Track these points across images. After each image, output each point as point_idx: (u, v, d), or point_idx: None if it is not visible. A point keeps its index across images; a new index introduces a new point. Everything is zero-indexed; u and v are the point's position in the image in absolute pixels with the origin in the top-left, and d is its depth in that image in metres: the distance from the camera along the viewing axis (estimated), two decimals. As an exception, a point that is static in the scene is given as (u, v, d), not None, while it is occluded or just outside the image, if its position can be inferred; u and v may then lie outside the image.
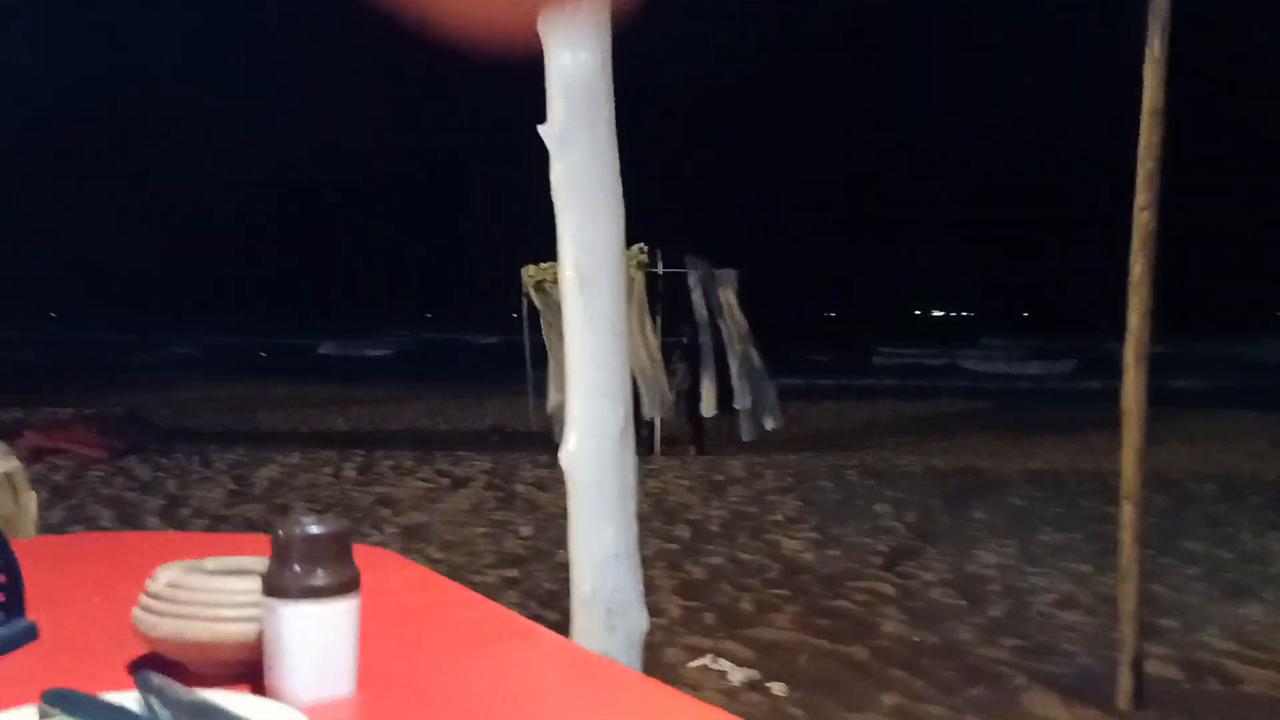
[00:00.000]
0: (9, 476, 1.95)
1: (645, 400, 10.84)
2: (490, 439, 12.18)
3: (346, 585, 0.86)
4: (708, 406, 11.23)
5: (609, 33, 2.99)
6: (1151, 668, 4.08)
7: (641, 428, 11.12)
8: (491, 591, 5.21)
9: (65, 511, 7.10)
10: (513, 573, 5.69)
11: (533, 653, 0.99)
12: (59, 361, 25.52)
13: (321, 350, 35.70)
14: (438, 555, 6.06)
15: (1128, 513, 3.86)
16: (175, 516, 6.99)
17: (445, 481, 8.65)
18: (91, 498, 7.65)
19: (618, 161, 3.01)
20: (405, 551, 5.93)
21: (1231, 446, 11.53)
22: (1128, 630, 3.85)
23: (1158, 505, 7.61)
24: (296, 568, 0.85)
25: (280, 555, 0.86)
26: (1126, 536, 3.87)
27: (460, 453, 10.41)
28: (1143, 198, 3.83)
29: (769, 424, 11.45)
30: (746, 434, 11.39)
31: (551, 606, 4.88)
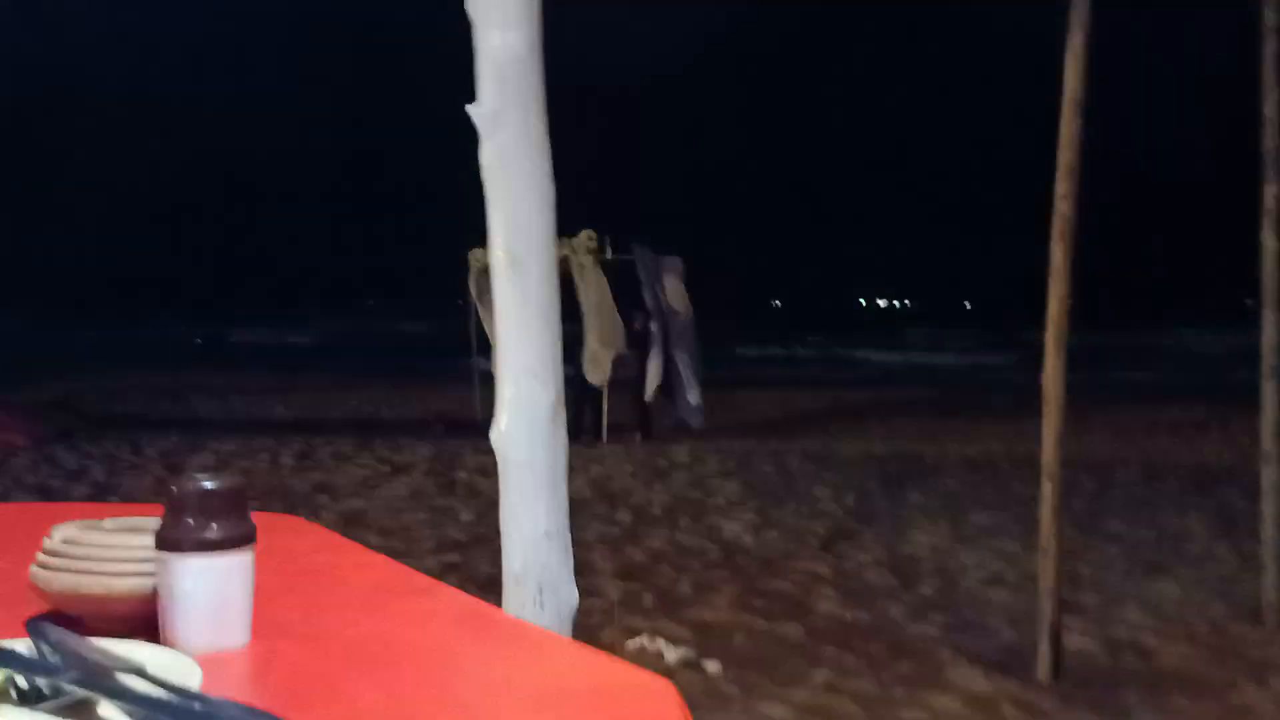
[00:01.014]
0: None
1: (587, 368, 10.80)
2: (433, 427, 12.12)
3: (240, 539, 0.88)
4: (649, 393, 11.29)
5: (539, 12, 2.99)
6: (1072, 642, 4.22)
7: (586, 414, 11.19)
8: (431, 576, 5.21)
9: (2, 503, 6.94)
10: (453, 558, 5.70)
11: (431, 606, 1.02)
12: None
13: (260, 337, 35.15)
14: (376, 541, 6.03)
15: (1048, 490, 3.98)
16: (104, 503, 6.87)
17: (385, 468, 8.60)
18: (16, 486, 7.49)
19: (548, 142, 3.02)
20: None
21: (1157, 433, 11.89)
22: (1047, 605, 3.97)
23: (1084, 488, 7.83)
24: (190, 521, 0.86)
25: (174, 510, 0.87)
26: (1046, 512, 3.99)
27: (402, 440, 10.36)
28: (1062, 187, 3.94)
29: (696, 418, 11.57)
30: (695, 421, 11.50)
31: (490, 590, 4.84)
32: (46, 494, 7.19)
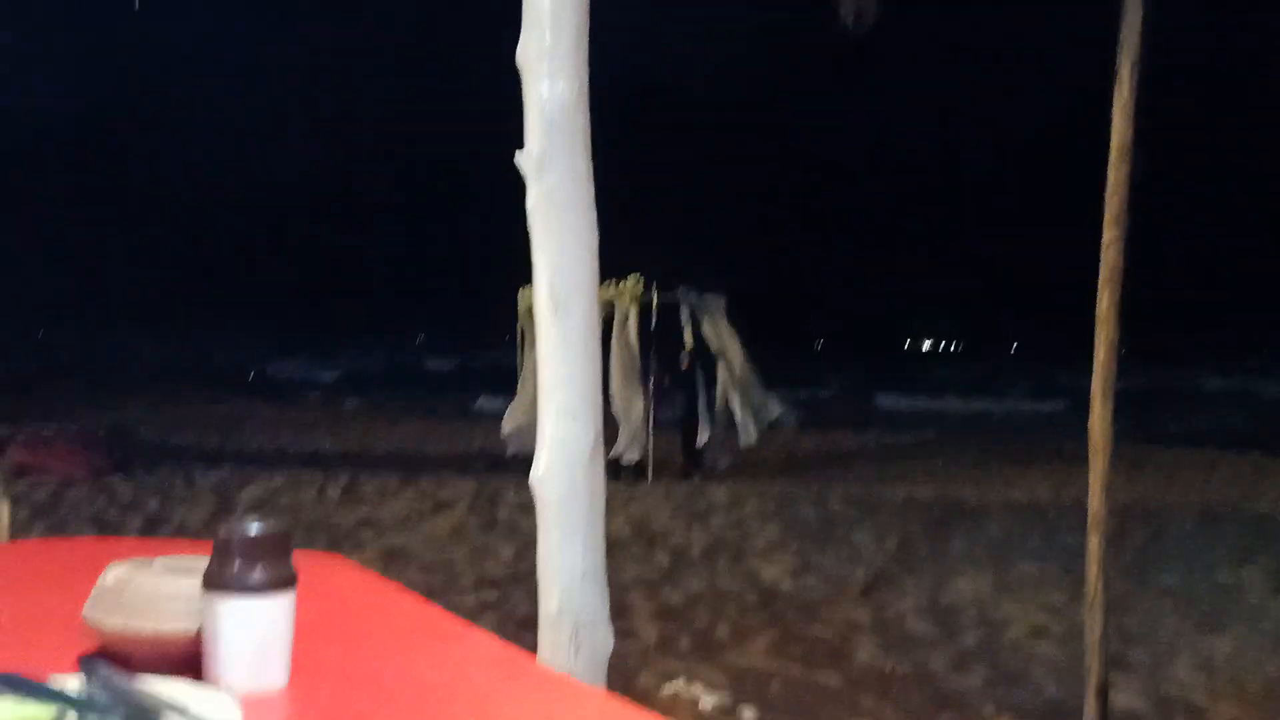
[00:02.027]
0: (-18, 486, 1.99)
1: (621, 438, 10.86)
2: (477, 462, 12.19)
3: (282, 582, 0.91)
4: (702, 435, 11.36)
5: (586, 63, 3.07)
6: (1120, 699, 4.12)
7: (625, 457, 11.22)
8: (470, 614, 5.23)
9: (46, 530, 7.11)
10: (492, 595, 5.72)
11: (463, 651, 1.04)
12: (46, 376, 25.48)
13: (312, 369, 35.67)
14: (417, 577, 6.08)
15: (1094, 543, 3.91)
16: (155, 536, 6.99)
17: (428, 504, 8.67)
18: (73, 516, 7.66)
19: (593, 189, 3.08)
20: (385, 573, 5.95)
21: (1211, 480, 11.61)
22: (1094, 659, 3.88)
23: (1136, 538, 7.67)
24: (235, 565, 0.90)
25: (221, 553, 0.91)
26: (1093, 566, 3.91)
27: (445, 475, 10.43)
28: (1109, 234, 3.91)
29: (752, 434, 11.52)
30: (723, 461, 11.52)
31: (528, 628, 4.87)
32: (103, 525, 7.34)
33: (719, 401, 11.50)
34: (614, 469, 11.01)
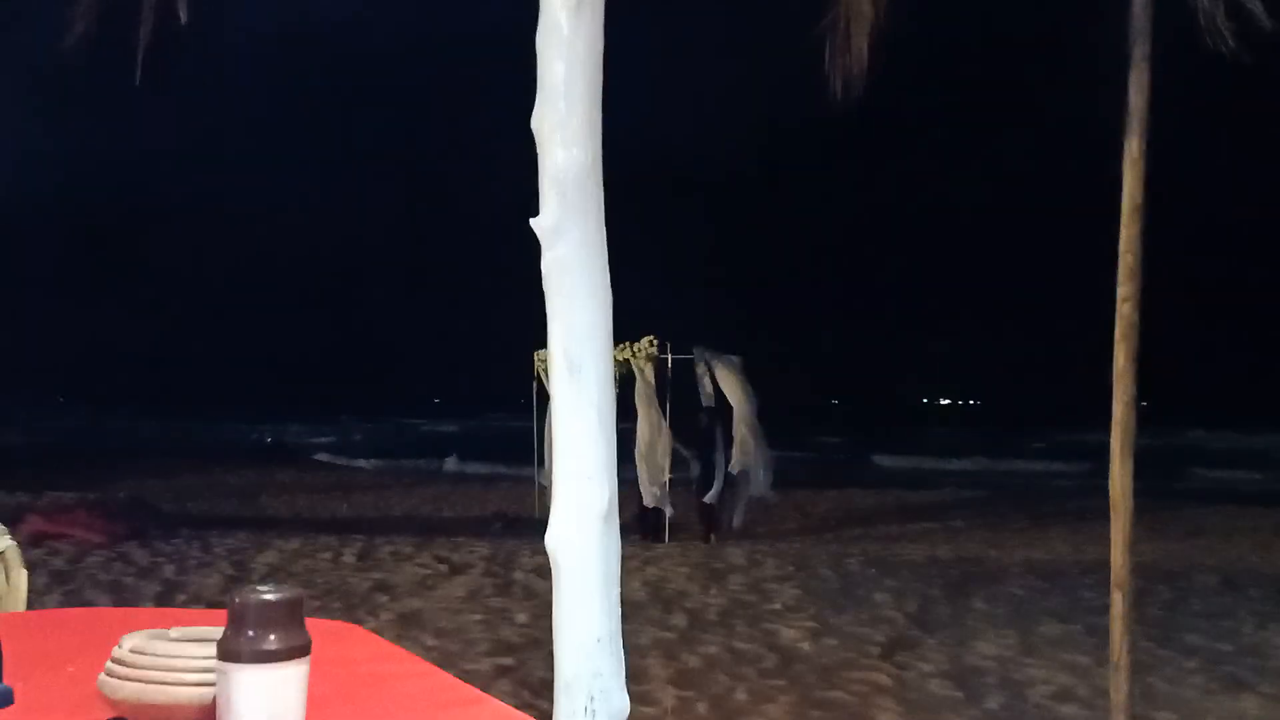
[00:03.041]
0: (2, 555, 2.00)
1: (644, 490, 10.99)
2: (492, 526, 12.14)
3: (296, 650, 0.92)
4: (712, 494, 11.30)
5: (599, 131, 3.12)
6: (1148, 762, 4.03)
7: (649, 515, 11.20)
8: (484, 679, 5.18)
9: (63, 596, 7.09)
10: (507, 660, 5.65)
11: (477, 719, 1.04)
12: (64, 445, 25.63)
13: (326, 435, 35.78)
14: (432, 642, 6.03)
15: (1117, 601, 3.86)
16: (171, 602, 6.97)
17: (443, 568, 8.61)
18: (89, 583, 7.65)
19: (606, 254, 3.12)
20: (400, 639, 5.90)
21: (1235, 539, 11.43)
22: (1120, 722, 3.82)
23: (1160, 597, 7.54)
24: (250, 633, 0.91)
25: (235, 621, 0.92)
26: (1116, 625, 3.86)
27: (460, 539, 10.37)
28: (1124, 290, 3.93)
29: (759, 493, 11.49)
30: (737, 518, 11.47)
31: (544, 694, 4.83)
32: (119, 591, 7.33)
33: (735, 461, 11.46)
34: (649, 521, 11.02)
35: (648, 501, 11.07)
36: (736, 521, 11.45)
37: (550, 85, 3.06)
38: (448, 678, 1.17)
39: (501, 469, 19.88)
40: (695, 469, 11.45)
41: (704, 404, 11.65)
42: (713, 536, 10.92)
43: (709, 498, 11.28)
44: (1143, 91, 3.93)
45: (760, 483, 11.52)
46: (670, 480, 11.32)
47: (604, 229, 3.16)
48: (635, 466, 11.03)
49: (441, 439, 34.79)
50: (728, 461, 11.43)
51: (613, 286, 3.15)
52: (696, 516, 11.35)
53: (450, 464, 23.16)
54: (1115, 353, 3.96)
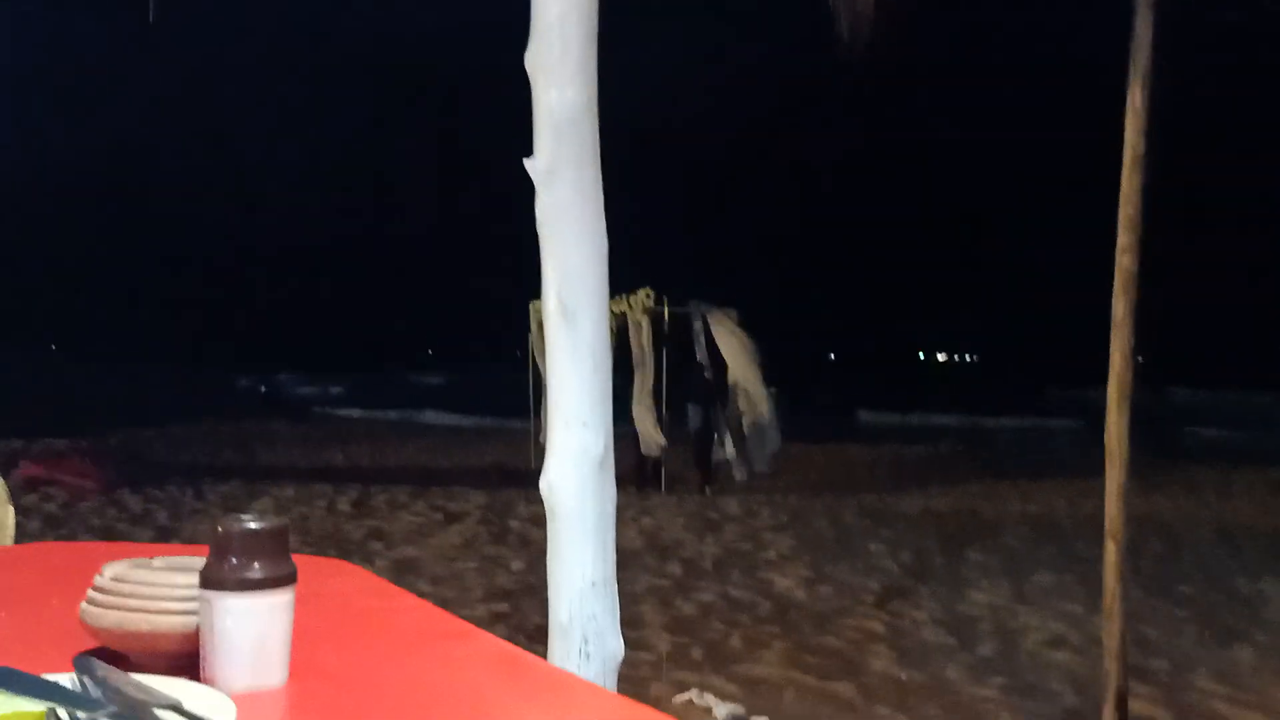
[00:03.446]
0: (-11, 492, 1.98)
1: (642, 440, 11.04)
2: (488, 475, 12.19)
3: (280, 580, 0.89)
4: (720, 446, 11.36)
5: (595, 71, 3.06)
6: (1138, 708, 4.07)
7: (647, 466, 11.25)
8: (480, 625, 5.20)
9: (57, 540, 7.11)
10: (502, 606, 5.69)
11: (466, 651, 1.02)
12: (58, 392, 25.61)
13: (321, 386, 35.76)
14: (427, 589, 6.06)
15: (1110, 551, 3.86)
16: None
17: (439, 516, 8.65)
18: (83, 528, 7.67)
19: (602, 196, 3.07)
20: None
21: (1230, 495, 11.50)
22: (1112, 669, 3.83)
23: (1154, 550, 7.59)
24: (232, 561, 0.88)
25: (218, 550, 0.89)
26: (1110, 575, 3.86)
27: (456, 488, 10.41)
28: (1124, 240, 3.88)
29: (759, 465, 11.53)
30: (739, 473, 11.48)
31: (539, 639, 4.84)
32: (112, 537, 7.35)
33: (733, 416, 11.49)
34: (648, 471, 11.07)
35: (646, 452, 11.12)
36: (760, 469, 11.51)
37: (544, 23, 2.99)
38: (438, 611, 1.16)
39: (493, 421, 19.89)
40: (695, 420, 11.46)
41: (698, 357, 11.64)
42: (708, 488, 10.97)
43: (727, 454, 11.35)
44: (1146, 40, 3.85)
45: (773, 437, 11.57)
46: (667, 431, 11.35)
47: (599, 171, 3.10)
48: (634, 418, 11.05)
49: (435, 390, 34.81)
50: (725, 414, 11.45)
51: (608, 236, 3.11)
52: (694, 467, 11.39)
53: (430, 416, 23.20)
54: (1113, 304, 3.93)
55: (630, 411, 10.98)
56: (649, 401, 11.16)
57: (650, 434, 11.09)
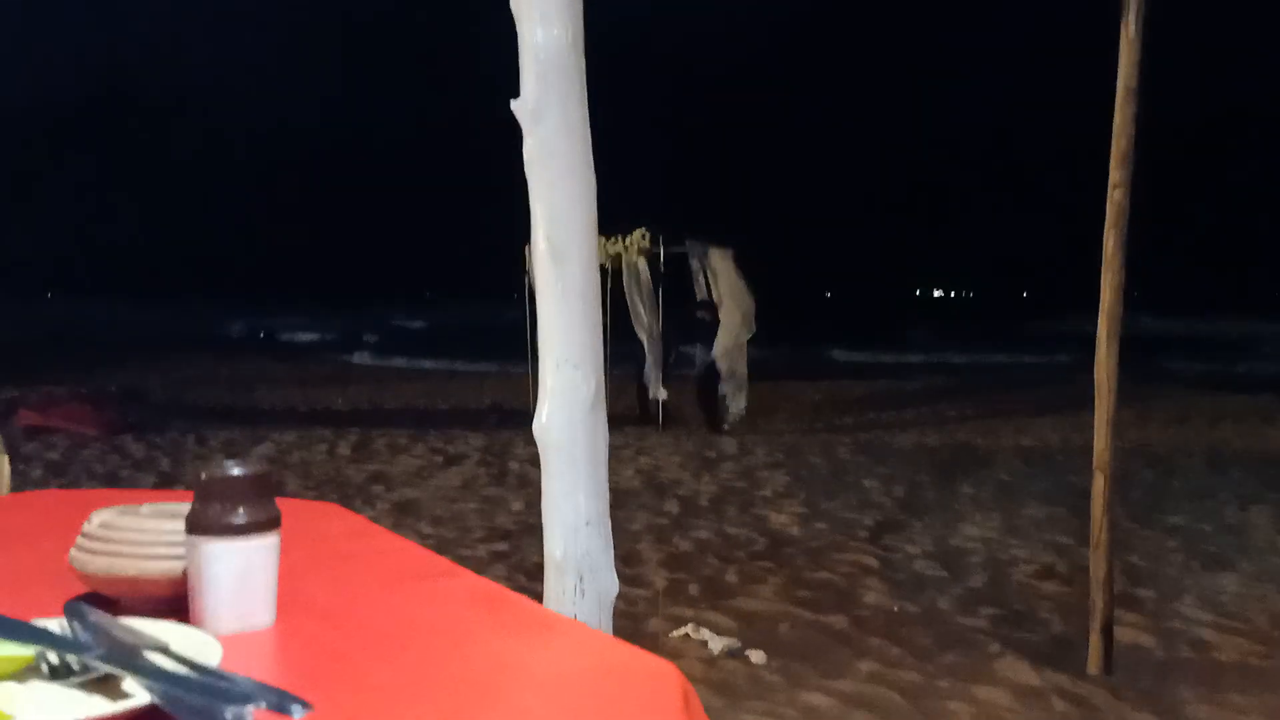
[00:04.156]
0: (-16, 442, 2.00)
1: (651, 382, 11.11)
2: (487, 417, 12.26)
3: (265, 524, 0.92)
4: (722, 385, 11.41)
5: (580, 8, 3.02)
6: (1125, 635, 4.16)
7: (648, 405, 11.32)
8: (480, 564, 5.28)
9: (58, 488, 7.17)
10: (502, 546, 5.77)
11: (449, 589, 1.05)
12: (56, 339, 25.63)
13: (320, 329, 35.76)
14: (428, 530, 6.14)
15: (1099, 483, 3.91)
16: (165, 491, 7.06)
17: (439, 459, 8.72)
18: (85, 474, 7.73)
19: (589, 136, 3.05)
20: (396, 527, 6.00)
21: (1221, 424, 11.59)
22: (1098, 597, 3.91)
23: (1143, 480, 7.68)
24: (218, 506, 0.91)
25: (203, 495, 0.91)
26: (1097, 505, 3.92)
27: (455, 431, 10.48)
28: (1116, 175, 3.87)
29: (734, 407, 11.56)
30: (735, 407, 11.56)
31: (538, 579, 4.92)
32: (114, 483, 7.41)
33: (726, 353, 11.51)
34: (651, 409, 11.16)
35: (655, 394, 11.19)
36: (737, 412, 11.54)
37: (528, -42, 2.95)
38: (424, 550, 1.18)
39: (493, 363, 19.93)
40: (700, 359, 11.48)
41: (699, 297, 11.64)
42: (723, 424, 11.03)
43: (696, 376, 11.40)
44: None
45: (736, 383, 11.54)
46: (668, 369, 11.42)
47: (586, 111, 3.08)
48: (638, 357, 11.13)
49: (433, 332, 34.80)
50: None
51: (601, 176, 3.09)
52: (699, 407, 11.43)
53: (428, 359, 23.21)
54: (1105, 238, 3.93)
55: (628, 353, 11.04)
56: (655, 341, 11.21)
57: (656, 373, 11.18)
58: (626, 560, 5.12)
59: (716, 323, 11.38)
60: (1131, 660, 4.00)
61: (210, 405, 13.08)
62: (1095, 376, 3.94)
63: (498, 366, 18.99)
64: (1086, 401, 4.07)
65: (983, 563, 5.48)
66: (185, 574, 0.93)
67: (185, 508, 1.01)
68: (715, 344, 11.31)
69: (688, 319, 11.57)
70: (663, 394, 11.25)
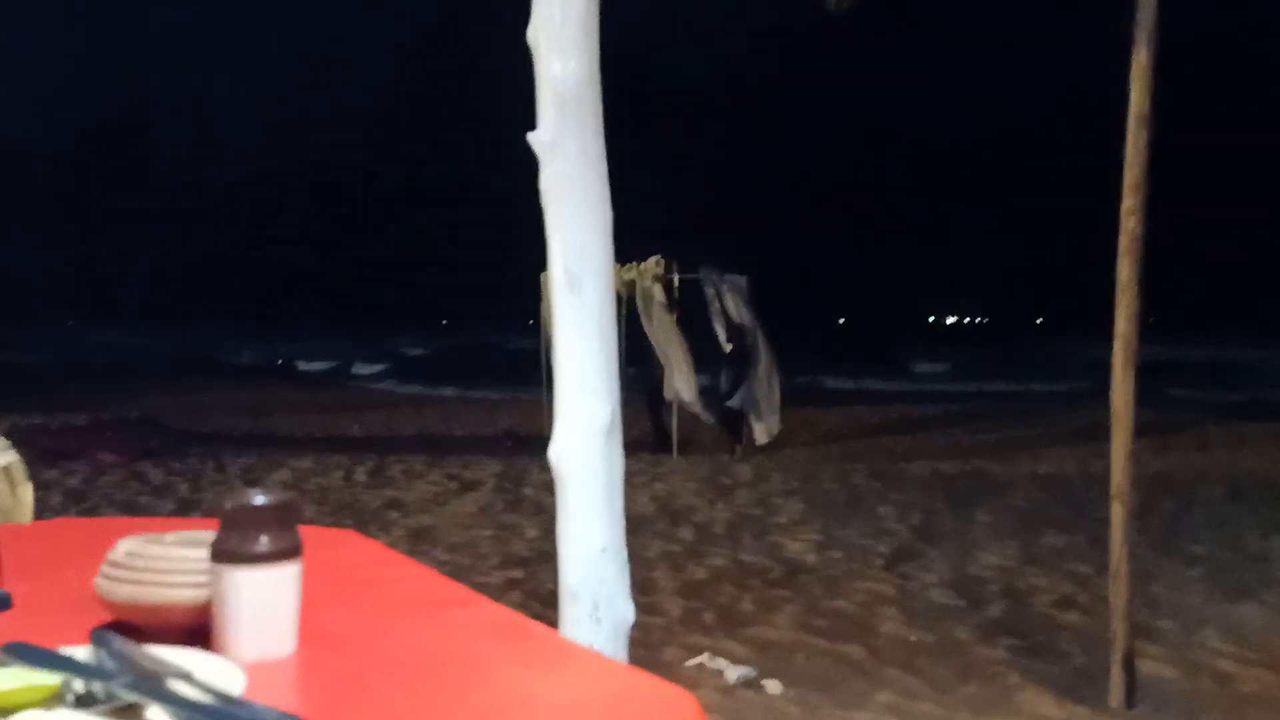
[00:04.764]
0: (7, 470, 2.02)
1: (689, 402, 11.09)
2: (502, 444, 12.27)
3: (287, 552, 0.93)
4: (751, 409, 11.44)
5: (597, 42, 3.06)
6: (1147, 667, 4.11)
7: (661, 430, 11.35)
8: (495, 592, 5.28)
9: (78, 514, 7.21)
10: (517, 573, 5.76)
11: (468, 618, 1.06)
12: (76, 366, 25.85)
13: (337, 357, 35.96)
14: (444, 556, 6.13)
15: (1117, 511, 3.89)
16: (184, 518, 7.09)
17: (454, 485, 8.73)
18: (105, 501, 7.78)
19: (605, 166, 3.09)
20: (411, 553, 6.01)
21: (1242, 452, 11.48)
22: (1119, 628, 3.88)
23: (1163, 508, 7.61)
24: (241, 535, 0.92)
25: (227, 524, 0.93)
26: (1116, 533, 3.90)
27: (471, 457, 10.50)
28: (1129, 202, 3.87)
29: (761, 435, 11.58)
30: (759, 436, 11.56)
31: (553, 606, 4.91)
32: (133, 509, 7.45)
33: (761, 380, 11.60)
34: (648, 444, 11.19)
35: (707, 418, 11.28)
36: (760, 440, 11.59)
37: (546, -5, 3.00)
38: (442, 578, 1.19)
39: (507, 390, 19.97)
40: (726, 384, 11.48)
41: (735, 319, 11.66)
42: (734, 450, 11.03)
43: (733, 403, 11.40)
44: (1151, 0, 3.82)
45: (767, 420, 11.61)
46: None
47: (603, 142, 3.12)
48: (675, 386, 11.17)
49: (448, 359, 34.92)
50: (756, 376, 11.51)
51: (615, 205, 3.13)
52: (726, 431, 11.45)
53: (444, 386, 23.31)
54: (1119, 265, 3.93)
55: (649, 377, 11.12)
56: (687, 367, 11.26)
57: (690, 397, 11.22)
58: (641, 588, 5.10)
59: (747, 348, 11.39)
60: (1154, 693, 3.96)
61: (228, 431, 13.16)
62: (1112, 403, 3.92)
63: (512, 393, 19.06)
64: (1102, 428, 4.05)
65: (1001, 592, 5.44)
66: (209, 602, 0.94)
67: (208, 536, 1.03)
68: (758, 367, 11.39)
69: (723, 344, 11.59)
70: (706, 416, 11.35)
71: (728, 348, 11.46)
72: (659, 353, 11.30)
